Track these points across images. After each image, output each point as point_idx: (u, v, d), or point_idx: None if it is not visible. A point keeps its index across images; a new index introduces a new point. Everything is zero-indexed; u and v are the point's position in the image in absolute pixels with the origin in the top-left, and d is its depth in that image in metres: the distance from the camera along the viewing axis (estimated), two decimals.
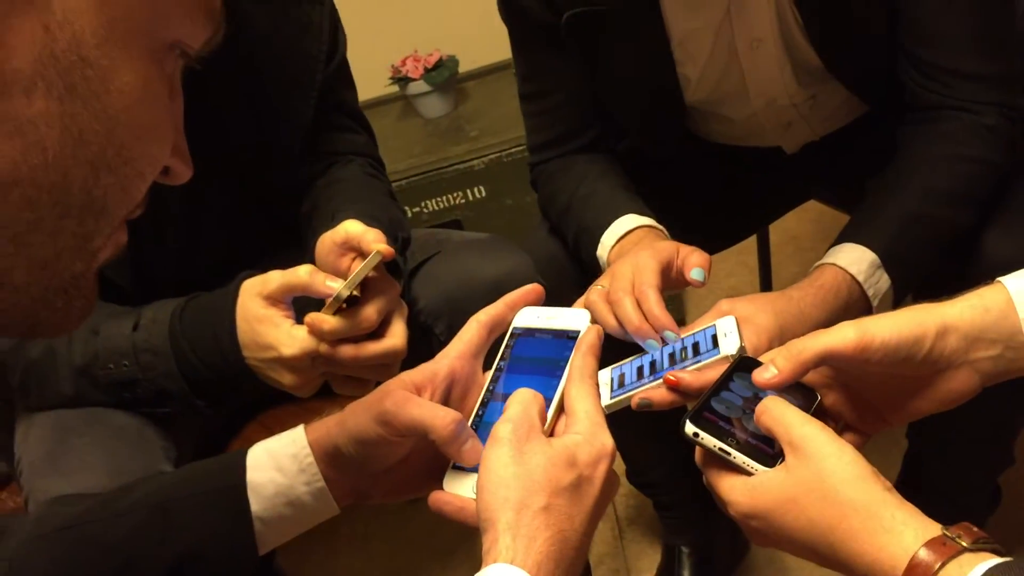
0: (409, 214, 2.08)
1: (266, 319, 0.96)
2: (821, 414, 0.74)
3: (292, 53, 1.16)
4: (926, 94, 1.05)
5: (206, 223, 1.14)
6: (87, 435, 1.03)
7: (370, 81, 2.40)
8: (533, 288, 0.76)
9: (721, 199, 1.34)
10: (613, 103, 1.20)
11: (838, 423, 0.78)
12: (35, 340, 1.03)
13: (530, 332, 0.75)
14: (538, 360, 0.72)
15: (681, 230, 1.08)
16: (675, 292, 1.02)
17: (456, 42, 2.31)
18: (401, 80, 2.32)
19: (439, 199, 2.09)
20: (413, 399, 0.67)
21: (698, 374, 0.80)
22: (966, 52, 1.02)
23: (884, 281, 0.97)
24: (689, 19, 1.09)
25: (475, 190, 2.08)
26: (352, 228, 0.96)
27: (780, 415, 0.67)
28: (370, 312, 0.93)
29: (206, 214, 1.13)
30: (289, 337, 0.95)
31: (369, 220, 1.02)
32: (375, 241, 0.93)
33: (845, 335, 0.70)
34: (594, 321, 0.74)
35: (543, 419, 0.65)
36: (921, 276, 1.00)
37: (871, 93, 1.17)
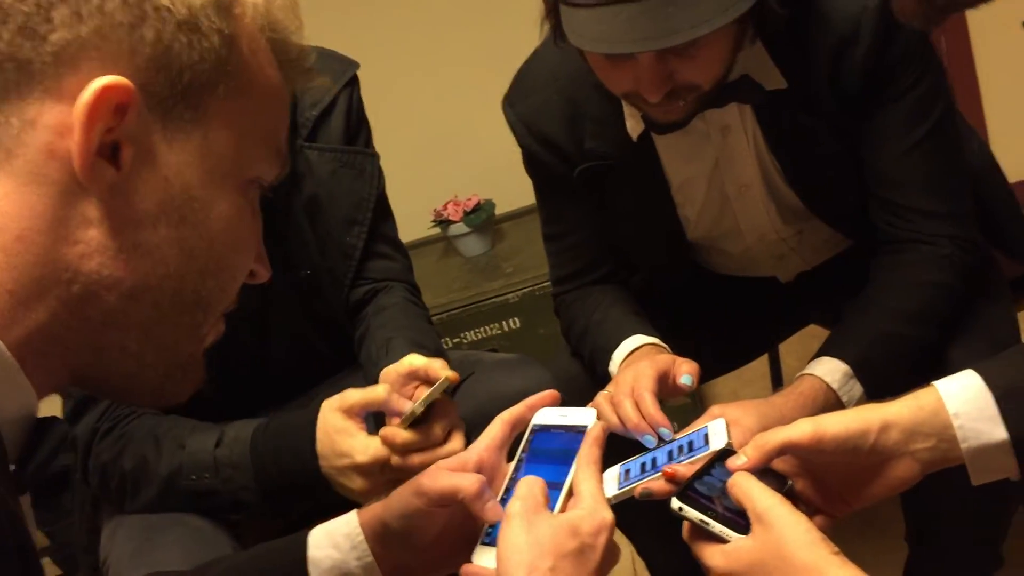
0: (450, 344, 2.25)
1: (344, 430, 1.11)
2: (792, 497, 0.88)
3: (348, 195, 1.36)
4: (892, 229, 1.21)
5: (272, 346, 1.32)
6: (169, 535, 1.17)
7: (414, 224, 2.62)
8: (550, 393, 0.92)
9: (726, 325, 1.49)
10: (624, 242, 1.37)
11: (808, 507, 0.91)
12: (130, 451, 1.20)
13: (546, 428, 0.89)
14: (553, 452, 0.87)
15: (691, 354, 1.23)
16: (675, 399, 1.17)
17: (492, 187, 2.52)
18: (442, 222, 2.53)
19: (477, 330, 2.26)
20: (444, 471, 0.83)
21: (691, 467, 0.95)
22: (923, 193, 1.19)
23: (857, 389, 1.11)
24: (684, 169, 1.27)
25: (510, 321, 2.25)
26: (416, 361, 1.12)
27: (748, 489, 0.81)
28: (437, 429, 1.09)
29: (271, 337, 1.31)
30: (363, 446, 1.09)
31: (419, 348, 1.19)
32: (442, 368, 1.10)
33: (803, 429, 0.85)
34: (600, 418, 0.89)
35: (547, 499, 0.79)
36: (891, 385, 1.14)
37: (850, 229, 1.34)
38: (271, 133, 0.67)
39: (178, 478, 1.16)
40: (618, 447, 1.04)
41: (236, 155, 0.64)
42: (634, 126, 1.23)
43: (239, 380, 1.27)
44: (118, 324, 0.61)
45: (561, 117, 1.27)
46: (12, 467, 0.58)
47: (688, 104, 1.10)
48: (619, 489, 1.02)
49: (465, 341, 2.26)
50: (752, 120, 1.20)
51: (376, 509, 0.88)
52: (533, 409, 0.91)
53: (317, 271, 1.34)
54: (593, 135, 1.26)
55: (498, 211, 2.58)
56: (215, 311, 0.67)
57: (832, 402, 1.10)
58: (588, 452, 0.83)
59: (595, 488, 0.79)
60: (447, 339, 2.24)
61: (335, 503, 1.15)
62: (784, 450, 0.85)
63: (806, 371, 1.13)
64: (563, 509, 0.80)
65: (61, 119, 0.56)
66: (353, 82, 1.39)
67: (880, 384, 1.12)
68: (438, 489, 0.82)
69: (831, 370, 1.12)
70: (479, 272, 2.43)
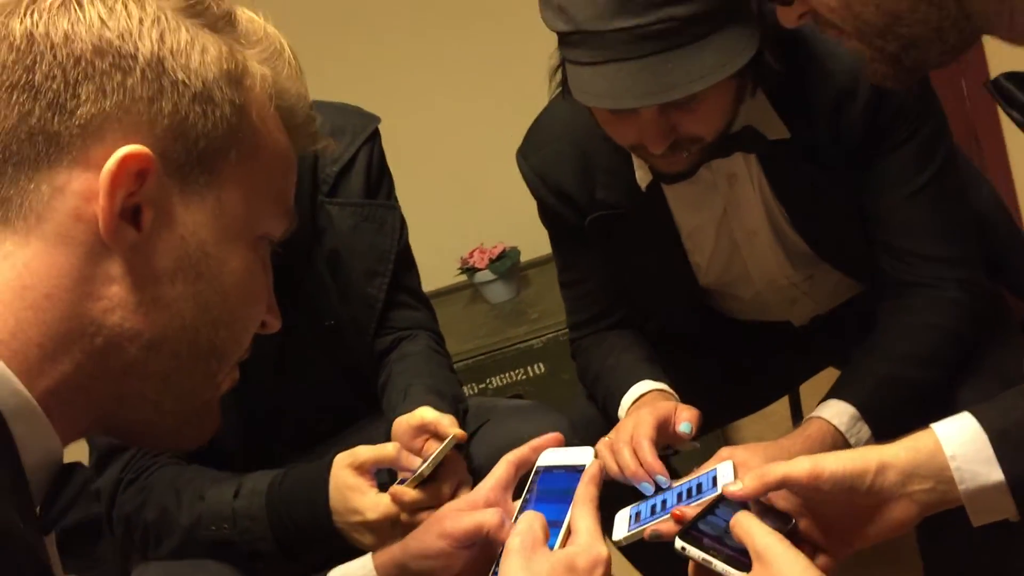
0: (476, 390, 2.28)
1: (355, 487, 1.14)
2: (796, 536, 0.90)
3: (369, 247, 1.39)
4: (895, 274, 1.23)
5: (296, 395, 1.36)
6: None
7: (441, 272, 2.68)
8: (554, 435, 0.95)
9: (742, 371, 1.51)
10: (637, 288, 1.41)
11: (812, 546, 0.93)
12: (152, 502, 1.24)
13: (549, 469, 0.93)
14: (555, 491, 0.90)
15: (707, 400, 1.25)
16: (678, 446, 1.19)
17: (517, 235, 2.57)
18: (469, 270, 2.58)
19: (502, 376, 2.29)
20: (463, 512, 0.88)
21: (698, 509, 0.97)
22: (926, 238, 1.21)
23: (865, 431, 1.13)
24: (693, 217, 1.31)
25: (535, 367, 2.28)
26: (428, 415, 1.15)
27: (748, 527, 0.83)
28: (445, 488, 1.12)
29: (295, 386, 1.35)
30: (374, 503, 1.12)
31: (436, 396, 1.22)
32: (450, 426, 1.13)
33: (801, 465, 0.87)
34: (597, 456, 0.92)
35: (546, 535, 0.82)
36: (898, 427, 1.15)
37: (860, 273, 1.36)
38: (280, 193, 0.72)
39: (198, 528, 1.20)
40: (621, 491, 1.07)
41: (247, 214, 0.69)
42: (643, 176, 1.27)
43: (262, 428, 1.32)
44: (138, 374, 0.65)
45: (573, 168, 1.32)
46: (38, 509, 0.62)
47: (692, 155, 1.14)
48: (629, 531, 1.05)
49: (491, 387, 2.29)
50: (757, 168, 1.24)
51: (393, 552, 0.92)
52: (537, 451, 0.94)
53: (340, 322, 1.38)
54: (604, 185, 1.30)
55: (523, 258, 2.63)
56: (229, 360, 0.71)
57: (840, 445, 1.12)
58: (584, 490, 0.86)
59: (591, 525, 0.82)
60: (473, 385, 2.28)
61: (351, 551, 1.19)
62: (782, 484, 0.88)
63: (814, 414, 1.15)
64: (563, 546, 0.83)
65: (87, 185, 0.61)
66: (374, 137, 1.43)
67: (887, 426, 1.14)
68: (463, 529, 0.86)
69: (838, 412, 1.13)
70: (504, 318, 2.47)
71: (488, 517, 0.86)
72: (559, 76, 1.15)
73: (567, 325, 1.50)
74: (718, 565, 0.83)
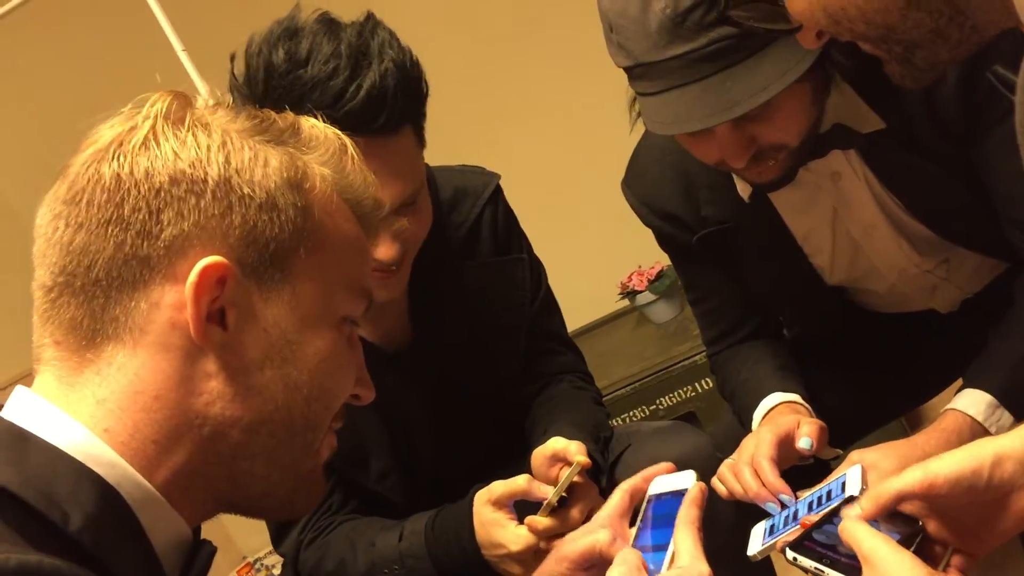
0: (647, 412, 2.30)
1: (495, 522, 1.20)
2: (927, 539, 0.88)
3: (502, 302, 1.44)
4: None
5: (450, 451, 1.43)
6: None
7: (603, 300, 2.73)
8: (664, 465, 0.98)
9: (896, 366, 1.46)
10: (764, 298, 1.40)
11: (946, 548, 0.90)
12: (331, 555, 1.35)
13: (659, 496, 0.96)
14: (664, 516, 0.92)
15: (858, 402, 1.23)
16: (820, 456, 1.18)
17: None
18: (629, 294, 2.61)
19: (671, 395, 2.29)
20: (577, 537, 0.92)
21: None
22: None
23: (1006, 418, 1.08)
24: (804, 220, 1.29)
25: (703, 383, 2.27)
26: (558, 444, 1.19)
27: (854, 533, 0.82)
28: (575, 513, 1.16)
29: (448, 444, 1.42)
30: (515, 536, 1.18)
31: (575, 428, 1.27)
32: (577, 453, 1.17)
33: (913, 476, 0.85)
34: (698, 474, 0.94)
35: (644, 565, 0.84)
36: None
37: (998, 250, 1.29)
38: (353, 278, 0.79)
39: (373, 573, 1.30)
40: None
41: (323, 301, 0.76)
42: (744, 188, 1.27)
43: (422, 486, 1.40)
44: (245, 455, 0.74)
45: (675, 190, 1.33)
46: None
47: (780, 162, 1.13)
48: (763, 544, 1.05)
49: (661, 408, 2.30)
50: (860, 163, 1.21)
51: None
52: (648, 479, 0.97)
53: (484, 379, 1.43)
54: (708, 202, 1.31)
55: None
56: (323, 429, 0.79)
57: (979, 435, 1.07)
58: (686, 513, 0.89)
59: (691, 545, 0.84)
60: (643, 408, 2.30)
61: None
62: (899, 499, 0.86)
63: (949, 406, 1.11)
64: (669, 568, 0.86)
65: (177, 297, 0.70)
66: (496, 195, 1.45)
67: None
68: (578, 550, 0.91)
69: (974, 402, 1.09)
70: (670, 337, 2.47)
71: (599, 536, 0.90)
72: (637, 108, 1.18)
73: (703, 342, 1.51)
74: (829, 573, 0.83)
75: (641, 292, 2.58)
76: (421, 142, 1.24)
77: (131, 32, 2.45)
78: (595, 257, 2.71)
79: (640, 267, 2.62)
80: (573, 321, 2.88)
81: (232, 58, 1.18)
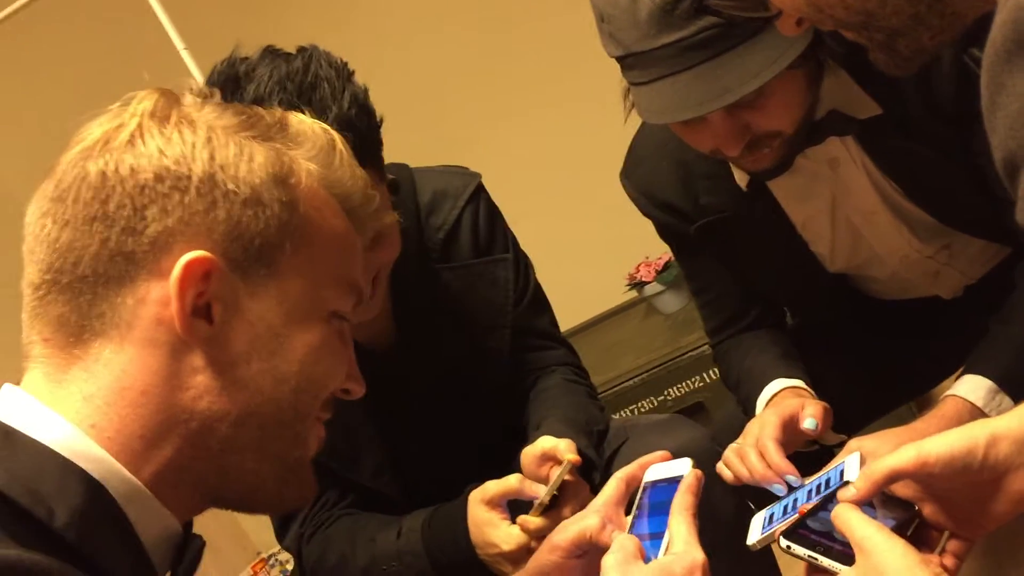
0: (655, 403, 2.30)
1: (488, 522, 1.20)
2: (922, 524, 0.88)
3: (484, 304, 1.42)
4: None
5: (445, 451, 1.42)
6: None
7: (611, 291, 2.72)
8: (660, 454, 0.98)
9: (896, 357, 1.45)
10: (765, 287, 1.39)
11: (941, 532, 0.90)
12: (332, 549, 1.35)
13: (655, 483, 0.95)
14: (660, 504, 0.92)
15: (858, 394, 1.22)
16: (823, 441, 1.17)
17: None
18: (637, 285, 2.60)
19: (679, 386, 2.29)
20: (568, 524, 0.92)
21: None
22: None
23: (1006, 403, 1.07)
24: (803, 208, 1.28)
25: (711, 373, 2.26)
26: (547, 443, 1.19)
27: (847, 519, 0.82)
28: (567, 512, 1.15)
29: (443, 444, 1.42)
30: (507, 535, 1.18)
31: (566, 424, 1.26)
32: (566, 451, 1.17)
33: (907, 454, 0.84)
34: (696, 466, 0.94)
35: (641, 550, 0.84)
36: None
37: (999, 234, 1.28)
38: (341, 273, 0.79)
39: (372, 568, 1.31)
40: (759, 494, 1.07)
41: (311, 296, 0.76)
42: (741, 176, 1.26)
43: (417, 482, 1.41)
44: (233, 448, 0.74)
45: (673, 180, 1.33)
46: (169, 573, 0.72)
47: (775, 150, 1.13)
48: (762, 534, 1.04)
49: (669, 398, 2.30)
50: (857, 149, 1.20)
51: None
52: (644, 467, 0.97)
53: (471, 381, 1.42)
54: (706, 191, 1.31)
55: None
56: (310, 419, 0.79)
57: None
58: (681, 500, 0.88)
59: (686, 532, 0.84)
60: (651, 399, 2.29)
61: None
62: (893, 478, 0.85)
63: (948, 392, 1.10)
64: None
65: (163, 293, 0.71)
66: (476, 195, 1.42)
67: None
68: (569, 538, 0.91)
69: (974, 388, 1.08)
70: (678, 328, 2.46)
71: (589, 522, 0.90)
72: (631, 98, 1.18)
73: (705, 332, 1.50)
74: (824, 561, 0.83)
75: (649, 283, 2.58)
76: (382, 178, 1.21)
77: (133, 30, 2.46)
78: (602, 249, 2.70)
79: (647, 258, 2.62)
80: (581, 313, 2.90)
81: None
